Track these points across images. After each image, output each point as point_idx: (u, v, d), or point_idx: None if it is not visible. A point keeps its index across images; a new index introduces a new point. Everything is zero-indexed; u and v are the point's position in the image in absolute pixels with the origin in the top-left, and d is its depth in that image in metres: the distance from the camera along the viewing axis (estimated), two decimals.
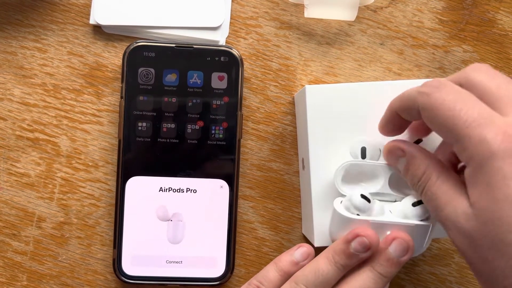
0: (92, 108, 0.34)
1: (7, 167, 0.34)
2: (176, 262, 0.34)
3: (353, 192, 0.28)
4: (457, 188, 0.24)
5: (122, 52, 0.34)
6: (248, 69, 0.35)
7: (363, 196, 0.27)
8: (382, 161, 0.30)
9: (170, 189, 0.34)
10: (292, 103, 0.36)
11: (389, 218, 0.28)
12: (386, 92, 0.32)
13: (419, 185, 0.26)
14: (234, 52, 0.34)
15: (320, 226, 0.32)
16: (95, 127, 0.34)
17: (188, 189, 0.34)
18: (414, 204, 0.27)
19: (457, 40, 0.37)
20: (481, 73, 0.24)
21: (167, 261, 0.33)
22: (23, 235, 0.34)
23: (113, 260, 0.33)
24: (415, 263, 0.36)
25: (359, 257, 0.27)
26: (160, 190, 0.33)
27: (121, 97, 0.33)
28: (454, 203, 0.23)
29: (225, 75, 0.34)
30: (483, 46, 0.37)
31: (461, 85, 0.24)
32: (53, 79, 0.34)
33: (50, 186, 0.34)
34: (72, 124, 0.34)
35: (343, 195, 0.30)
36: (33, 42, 0.34)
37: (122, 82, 0.33)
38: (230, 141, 0.34)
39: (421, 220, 0.28)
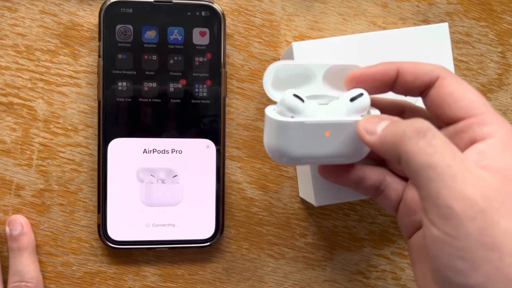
0: (69, 70, 0.33)
1: None
2: (164, 225, 0.33)
3: (285, 93, 0.25)
4: None
5: (98, 9, 0.32)
6: (231, 25, 0.34)
7: (295, 96, 0.24)
8: (314, 61, 0.27)
9: (154, 150, 0.32)
10: (277, 59, 0.35)
11: (326, 117, 0.25)
12: (374, 43, 0.31)
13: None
14: (216, 6, 0.32)
15: (318, 185, 0.31)
16: (73, 89, 0.33)
17: (173, 150, 0.33)
18: (352, 99, 0.25)
19: None
20: None
21: (154, 224, 0.33)
22: (1, 204, 0.32)
23: (98, 225, 0.32)
24: None
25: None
26: (144, 152, 0.32)
27: (99, 56, 0.32)
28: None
29: (207, 30, 0.33)
30: None
31: None
32: (26, 39, 0.32)
33: (28, 152, 0.32)
34: (48, 87, 0.33)
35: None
36: (1, 1, 0.32)
37: (99, 40, 0.32)
38: (215, 99, 0.33)
39: (362, 116, 0.25)
